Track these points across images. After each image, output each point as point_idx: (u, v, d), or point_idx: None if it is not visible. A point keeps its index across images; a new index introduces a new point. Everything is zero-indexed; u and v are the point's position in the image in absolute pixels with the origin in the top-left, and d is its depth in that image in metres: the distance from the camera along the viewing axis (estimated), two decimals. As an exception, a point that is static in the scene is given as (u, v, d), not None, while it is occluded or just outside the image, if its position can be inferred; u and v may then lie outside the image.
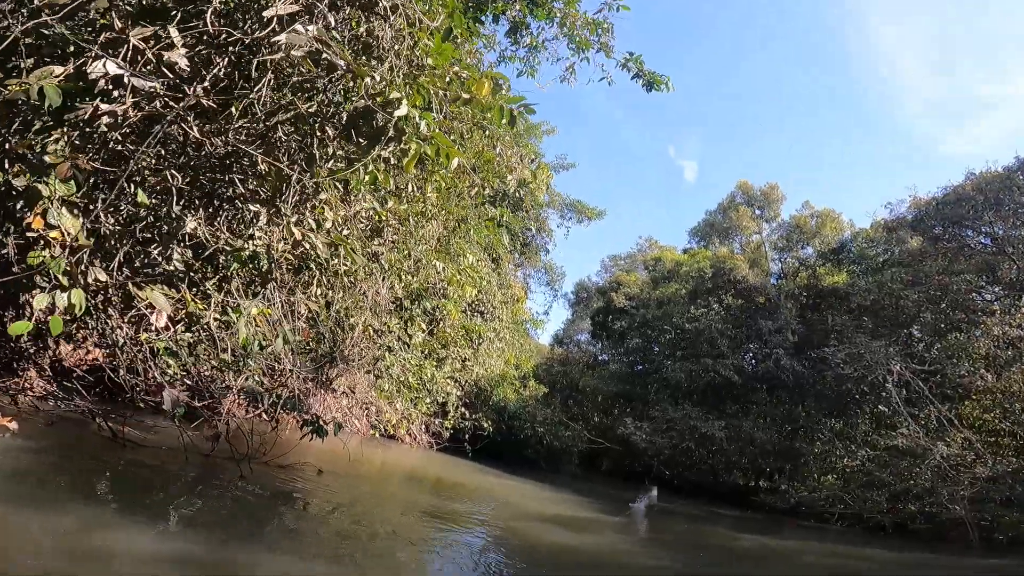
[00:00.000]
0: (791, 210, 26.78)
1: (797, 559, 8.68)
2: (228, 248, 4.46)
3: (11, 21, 3.33)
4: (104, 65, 3.20)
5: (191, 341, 5.22)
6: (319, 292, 6.44)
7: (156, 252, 4.58)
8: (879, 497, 14.10)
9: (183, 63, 3.41)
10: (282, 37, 3.49)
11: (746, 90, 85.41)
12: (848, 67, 74.82)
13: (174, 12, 3.61)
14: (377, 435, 14.19)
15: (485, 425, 15.81)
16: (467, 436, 15.38)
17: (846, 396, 17.92)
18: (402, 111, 3.85)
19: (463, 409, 15.80)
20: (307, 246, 4.83)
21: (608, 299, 29.15)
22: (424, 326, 11.88)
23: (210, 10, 3.55)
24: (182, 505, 4.32)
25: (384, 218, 6.89)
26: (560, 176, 26.36)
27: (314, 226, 4.97)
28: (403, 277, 8.19)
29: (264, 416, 7.24)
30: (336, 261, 5.31)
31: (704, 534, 10.53)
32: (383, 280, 8.34)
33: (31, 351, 5.39)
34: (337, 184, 4.95)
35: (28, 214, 3.42)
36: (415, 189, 6.30)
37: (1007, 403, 14.69)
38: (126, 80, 3.27)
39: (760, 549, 9.66)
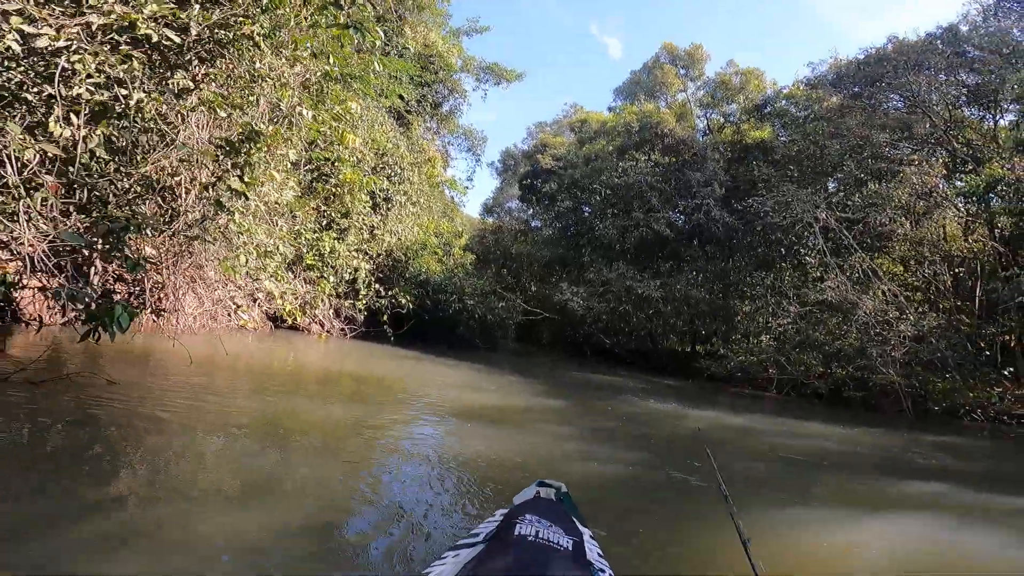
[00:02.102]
0: (716, 69, 26.53)
1: (748, 439, 7.76)
2: None
3: None
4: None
5: None
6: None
7: None
8: (814, 360, 13.84)
9: None
10: None
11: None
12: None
13: None
14: (270, 327, 12.09)
15: (403, 301, 13.92)
16: (386, 317, 13.49)
17: (775, 247, 17.89)
18: None
19: (377, 286, 13.75)
20: None
21: (534, 161, 28.52)
22: (296, 185, 9.21)
23: None
24: None
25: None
26: (477, 46, 24.61)
27: None
28: (229, 113, 5.48)
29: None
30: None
31: (652, 414, 9.56)
32: (203, 120, 5.68)
33: None
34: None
35: None
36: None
37: (924, 252, 15.38)
38: None
39: (709, 428, 8.80)
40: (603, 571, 1.97)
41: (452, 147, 27.58)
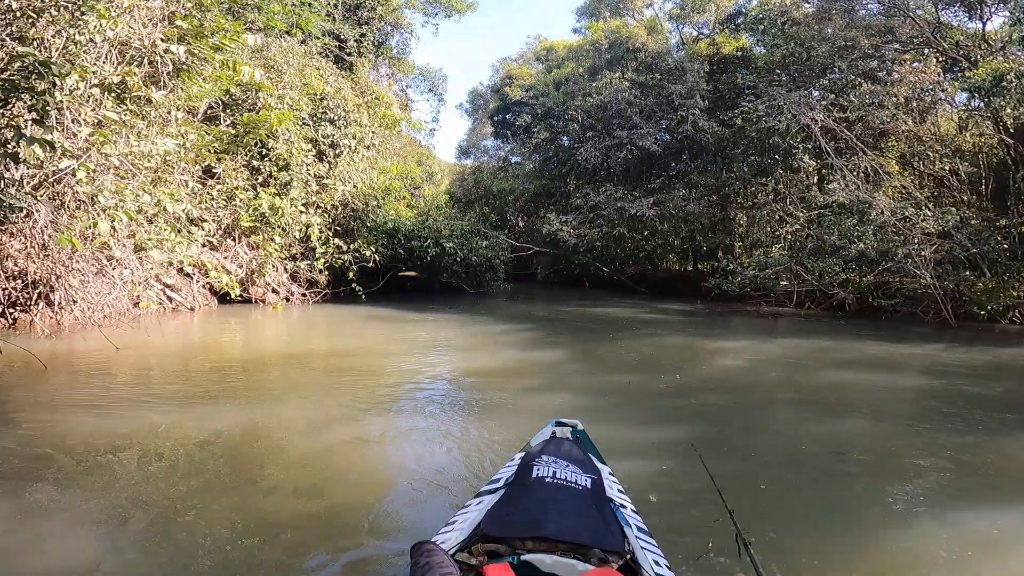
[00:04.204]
0: (683, -21, 24.20)
1: (791, 379, 6.49)
2: None
3: None
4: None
5: None
6: None
7: None
8: (835, 266, 12.43)
9: None
10: None
11: None
12: None
13: None
14: (214, 304, 10.51)
15: (368, 254, 12.28)
16: (352, 275, 11.88)
17: (771, 153, 16.50)
18: None
19: (337, 241, 12.05)
20: None
21: (503, 95, 27.57)
22: (202, 136, 7.28)
23: None
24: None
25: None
26: None
27: None
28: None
29: None
30: None
31: (665, 347, 8.26)
32: None
33: None
34: None
35: None
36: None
37: (930, 148, 14.38)
38: None
39: (730, 353, 7.52)
40: (624, 506, 1.98)
41: (411, 90, 25.96)
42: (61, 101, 4.12)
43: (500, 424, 4.26)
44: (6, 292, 6.50)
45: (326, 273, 12.04)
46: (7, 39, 3.80)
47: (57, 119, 4.04)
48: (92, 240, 5.57)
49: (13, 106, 3.92)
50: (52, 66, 3.91)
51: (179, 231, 7.40)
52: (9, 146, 3.88)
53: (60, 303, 6.75)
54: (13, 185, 4.36)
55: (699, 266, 20.99)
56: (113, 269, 8.33)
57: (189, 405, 4.56)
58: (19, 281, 6.75)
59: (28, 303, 6.62)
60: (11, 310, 6.64)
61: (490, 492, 2.03)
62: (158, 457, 3.55)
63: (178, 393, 4.92)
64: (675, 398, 5.44)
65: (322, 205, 11.92)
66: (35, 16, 3.92)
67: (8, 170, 4.26)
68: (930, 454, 3.91)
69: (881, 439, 4.27)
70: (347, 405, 4.70)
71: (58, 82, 3.99)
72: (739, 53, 19.70)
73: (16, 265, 6.77)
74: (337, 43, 15.59)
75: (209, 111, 9.63)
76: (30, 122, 3.90)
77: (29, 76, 3.89)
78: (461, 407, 4.89)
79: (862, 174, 14.23)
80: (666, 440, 4.06)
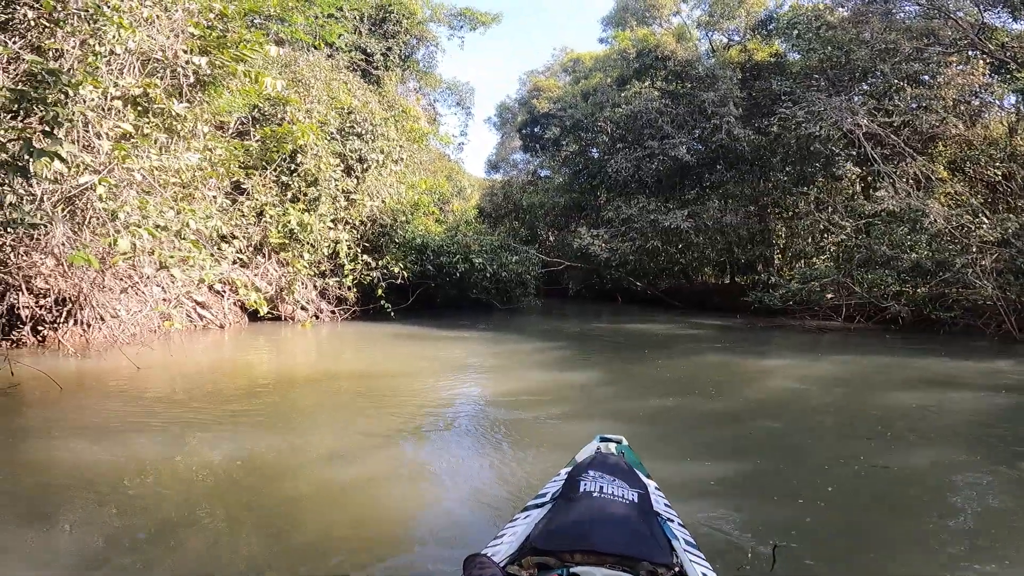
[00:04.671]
0: (711, -16, 24.08)
1: (852, 404, 5.98)
2: None
3: None
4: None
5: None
6: None
7: None
8: (887, 278, 11.68)
9: None
10: None
11: None
12: None
13: None
14: (242, 320, 10.49)
15: (396, 270, 12.15)
16: (381, 291, 11.73)
17: (814, 159, 15.88)
18: None
19: (365, 258, 11.95)
20: None
21: (531, 107, 27.90)
22: (221, 148, 7.21)
23: None
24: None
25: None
26: None
27: None
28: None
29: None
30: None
31: (705, 365, 7.79)
32: None
33: None
34: None
35: None
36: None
37: (983, 153, 13.48)
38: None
39: (775, 373, 7.00)
40: (671, 520, 1.97)
41: (439, 103, 26.11)
42: (73, 112, 4.04)
43: (537, 446, 4.10)
44: (31, 310, 6.51)
45: (355, 290, 11.93)
46: (20, 50, 3.74)
47: (69, 131, 3.96)
48: (112, 258, 5.50)
49: (24, 118, 3.86)
50: (61, 75, 3.83)
51: (203, 248, 7.35)
52: (20, 160, 3.80)
53: (88, 321, 6.73)
54: (33, 201, 4.31)
55: (736, 279, 20.26)
56: (144, 287, 8.38)
57: (206, 429, 4.37)
58: (48, 298, 6.77)
59: (56, 321, 6.62)
60: (40, 327, 6.64)
61: (537, 506, 2.04)
62: (164, 484, 3.32)
63: (193, 416, 4.73)
64: (720, 424, 4.99)
65: (350, 221, 11.87)
66: (53, 26, 3.88)
67: (30, 186, 4.20)
68: (1004, 488, 3.40)
69: (949, 469, 3.78)
70: (379, 426, 4.52)
71: (70, 92, 3.92)
72: (773, 59, 19.19)
73: (47, 283, 6.79)
74: (364, 57, 15.75)
75: (240, 126, 9.68)
76: (40, 134, 3.82)
77: (39, 86, 3.83)
78: (496, 429, 4.63)
79: (911, 181, 13.43)
80: (714, 474, 3.64)
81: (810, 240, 17.57)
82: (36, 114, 3.87)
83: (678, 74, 20.53)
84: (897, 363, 8.10)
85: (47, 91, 3.81)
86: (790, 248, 18.79)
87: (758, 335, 11.75)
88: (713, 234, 18.07)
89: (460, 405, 5.55)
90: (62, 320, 6.76)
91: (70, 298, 6.58)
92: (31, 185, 4.35)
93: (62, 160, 3.91)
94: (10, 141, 3.84)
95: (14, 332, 6.48)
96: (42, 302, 6.80)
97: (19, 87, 3.88)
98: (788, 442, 4.47)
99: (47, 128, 3.87)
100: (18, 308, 6.45)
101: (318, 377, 6.76)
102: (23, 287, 6.26)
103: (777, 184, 17.60)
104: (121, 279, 7.83)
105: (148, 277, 7.22)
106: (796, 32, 17.82)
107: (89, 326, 6.96)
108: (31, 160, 3.72)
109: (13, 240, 4.92)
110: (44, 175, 4.07)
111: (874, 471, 3.70)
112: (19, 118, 3.85)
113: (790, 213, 18.39)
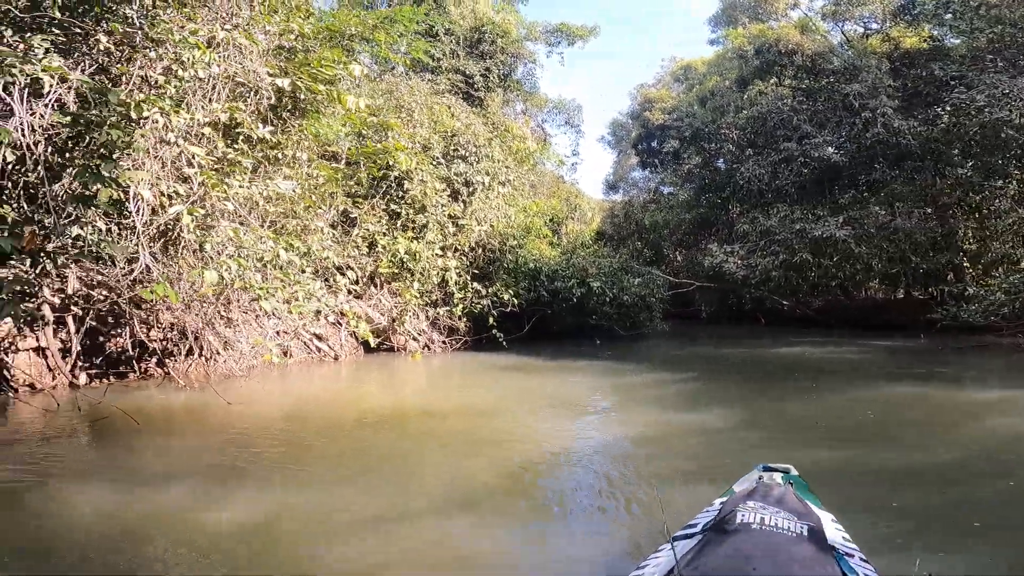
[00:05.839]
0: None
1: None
2: None
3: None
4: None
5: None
6: None
7: None
8: None
9: None
10: None
11: None
12: None
13: None
14: (358, 352, 10.48)
15: (505, 298, 11.59)
16: (492, 320, 11.21)
17: (1005, 149, 13.55)
18: None
19: (475, 285, 11.55)
20: None
21: (644, 120, 26.41)
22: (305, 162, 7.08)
23: None
24: None
25: None
26: (538, 11, 22.64)
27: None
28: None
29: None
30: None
31: (889, 400, 6.11)
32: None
33: None
34: None
35: None
36: None
37: None
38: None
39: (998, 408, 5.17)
40: (851, 555, 1.78)
41: (547, 124, 25.82)
42: (133, 138, 3.97)
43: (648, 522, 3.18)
44: (157, 343, 6.82)
45: (465, 319, 11.56)
46: (86, 76, 3.75)
47: (141, 159, 3.91)
48: (200, 290, 5.50)
49: (86, 144, 3.85)
50: (110, 93, 3.77)
51: (314, 279, 7.30)
52: (87, 188, 3.78)
53: (207, 355, 6.92)
54: (130, 232, 4.34)
55: (913, 292, 17.20)
56: (267, 319, 8.65)
57: (243, 476, 3.93)
58: (174, 331, 7.08)
59: (177, 354, 6.88)
60: (167, 360, 6.93)
61: (686, 536, 1.94)
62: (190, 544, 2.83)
63: (273, 460, 4.34)
64: (926, 485, 3.53)
65: (459, 247, 11.61)
66: (131, 50, 3.90)
67: (128, 216, 4.22)
68: None
69: None
70: (488, 472, 4.11)
71: (132, 115, 3.87)
72: (927, 44, 16.76)
73: (174, 316, 7.07)
74: (463, 79, 15.87)
75: (349, 155, 9.84)
76: (99, 160, 3.78)
77: (92, 107, 3.81)
78: (616, 483, 3.90)
79: None
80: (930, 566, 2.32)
81: (1014, 242, 14.30)
82: (95, 139, 3.86)
83: (808, 69, 18.58)
84: None
85: (104, 112, 3.78)
86: (986, 253, 15.48)
87: (954, 358, 9.42)
88: (879, 242, 15.69)
89: (573, 448, 4.80)
90: (184, 353, 7.03)
91: (192, 331, 6.79)
92: (109, 217, 4.42)
93: (118, 186, 3.83)
94: (74, 167, 3.85)
95: (142, 363, 6.87)
96: (169, 335, 7.15)
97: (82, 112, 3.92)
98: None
99: (105, 153, 3.83)
100: (146, 340, 6.79)
101: (420, 412, 6.25)
102: (147, 320, 6.58)
103: (959, 180, 15.15)
104: (245, 311, 8.11)
105: (266, 312, 7.33)
106: (950, 14, 15.62)
107: (208, 359, 7.17)
108: (89, 187, 3.70)
109: (127, 274, 5.06)
110: (136, 209, 4.01)
111: None
112: (79, 143, 3.88)
113: (981, 212, 15.94)
